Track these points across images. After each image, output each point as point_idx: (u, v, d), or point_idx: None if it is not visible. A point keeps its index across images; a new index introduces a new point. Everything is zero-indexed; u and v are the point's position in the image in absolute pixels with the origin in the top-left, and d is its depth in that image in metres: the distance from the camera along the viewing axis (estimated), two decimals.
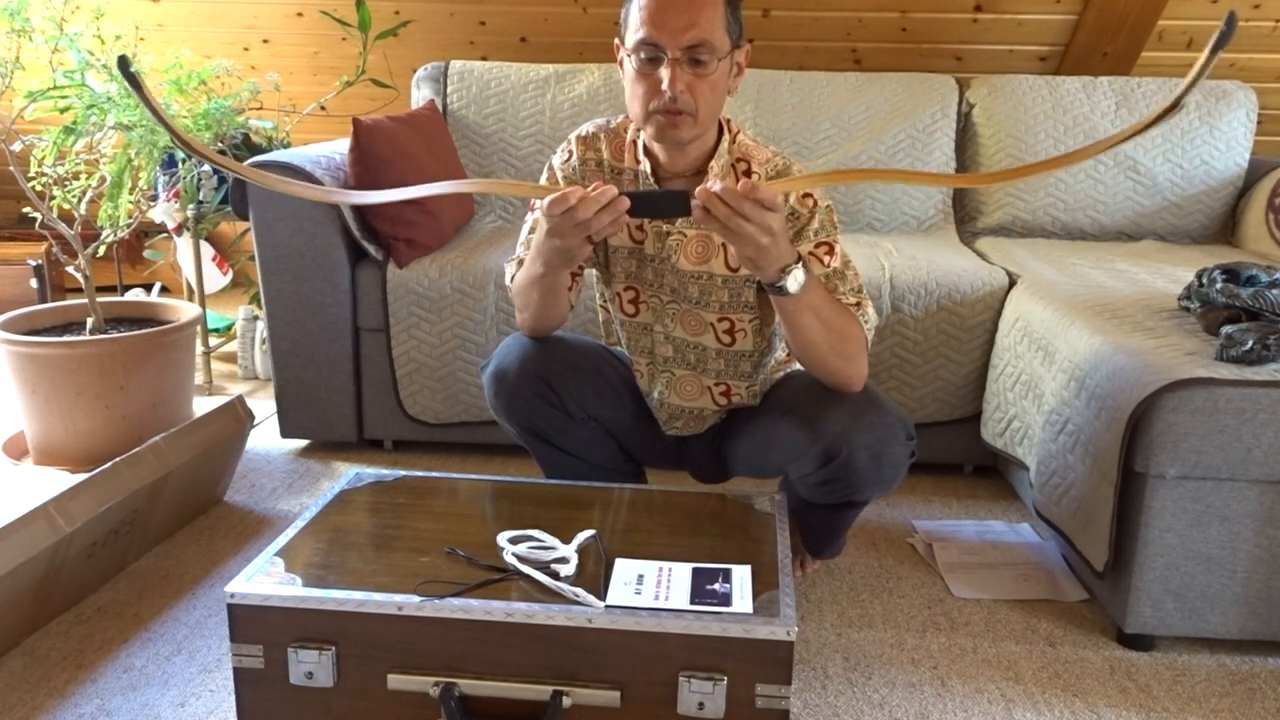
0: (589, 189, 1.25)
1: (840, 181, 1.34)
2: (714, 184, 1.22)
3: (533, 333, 1.61)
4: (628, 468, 1.79)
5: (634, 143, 1.54)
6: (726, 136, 1.49)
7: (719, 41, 1.36)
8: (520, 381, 1.59)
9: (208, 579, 1.79)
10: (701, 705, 1.21)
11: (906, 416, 1.52)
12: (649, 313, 1.61)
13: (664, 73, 1.35)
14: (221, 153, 2.73)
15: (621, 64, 1.45)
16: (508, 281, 1.62)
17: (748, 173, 1.50)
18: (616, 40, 1.45)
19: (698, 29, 1.34)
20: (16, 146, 2.18)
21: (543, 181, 1.61)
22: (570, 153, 1.58)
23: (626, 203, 1.26)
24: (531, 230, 1.60)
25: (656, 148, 1.48)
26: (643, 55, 1.37)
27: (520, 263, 1.58)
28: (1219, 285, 1.70)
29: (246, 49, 3.27)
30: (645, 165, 1.50)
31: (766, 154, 1.51)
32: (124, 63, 1.20)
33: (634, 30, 1.37)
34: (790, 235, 1.47)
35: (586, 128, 1.58)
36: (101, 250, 2.31)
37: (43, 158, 2.19)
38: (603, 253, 1.61)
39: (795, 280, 1.32)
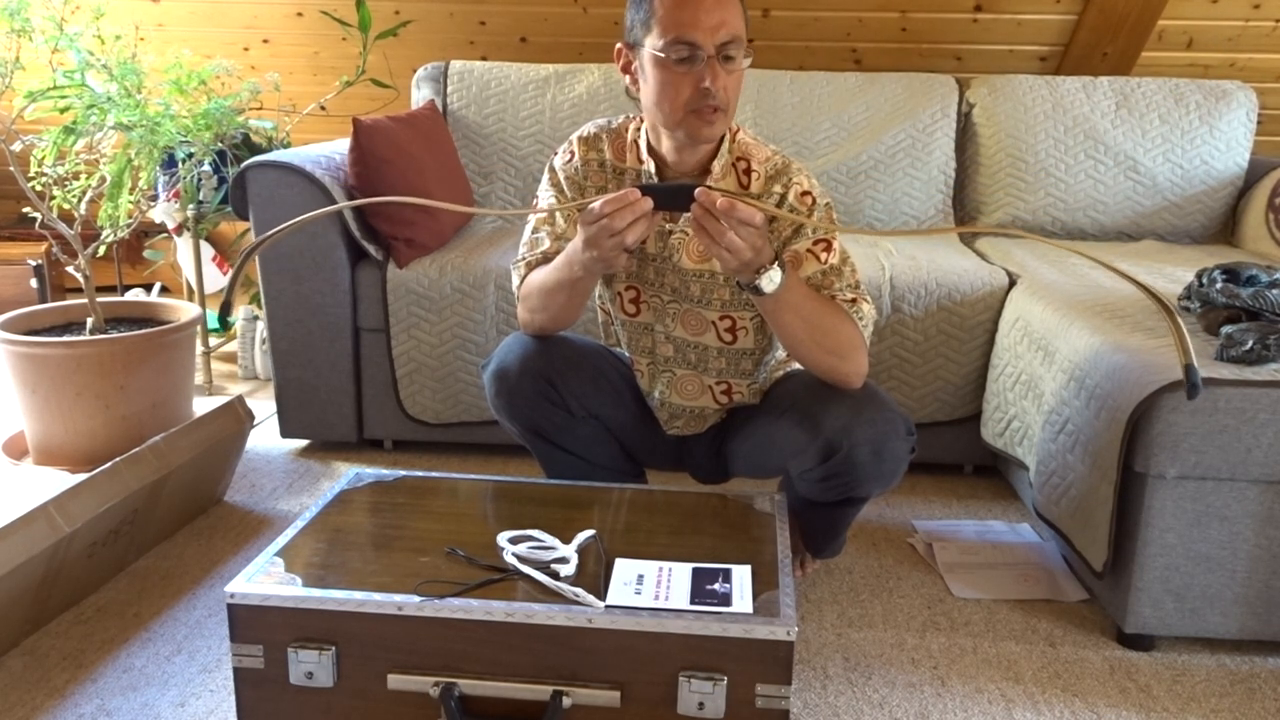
0: (611, 195, 1.28)
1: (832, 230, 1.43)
2: (717, 193, 1.25)
3: (542, 332, 1.61)
4: (628, 468, 1.79)
5: (635, 143, 1.54)
6: (728, 135, 1.49)
7: (744, 36, 1.39)
8: (522, 379, 1.59)
9: (208, 579, 1.79)
10: (701, 705, 1.21)
11: (906, 413, 1.52)
12: (650, 312, 1.61)
13: (703, 71, 1.37)
14: (220, 153, 2.73)
15: (628, 67, 1.45)
16: (515, 286, 1.62)
17: (748, 171, 1.50)
18: (620, 44, 1.45)
19: (729, 26, 1.36)
20: (16, 146, 2.17)
21: (544, 182, 1.61)
22: (572, 153, 1.57)
23: (649, 204, 1.29)
24: (535, 231, 1.60)
25: (669, 147, 1.48)
26: (675, 55, 1.37)
27: (529, 265, 1.58)
28: (1219, 285, 1.70)
29: (246, 49, 3.27)
30: (649, 165, 1.50)
31: (766, 152, 1.51)
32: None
33: (662, 31, 1.37)
34: (789, 232, 1.48)
35: (588, 128, 1.58)
36: (101, 250, 2.31)
37: (43, 158, 2.19)
38: None
39: (770, 281, 1.34)
